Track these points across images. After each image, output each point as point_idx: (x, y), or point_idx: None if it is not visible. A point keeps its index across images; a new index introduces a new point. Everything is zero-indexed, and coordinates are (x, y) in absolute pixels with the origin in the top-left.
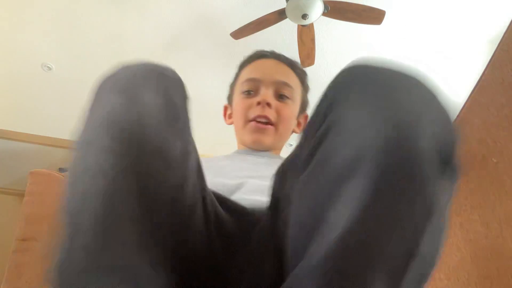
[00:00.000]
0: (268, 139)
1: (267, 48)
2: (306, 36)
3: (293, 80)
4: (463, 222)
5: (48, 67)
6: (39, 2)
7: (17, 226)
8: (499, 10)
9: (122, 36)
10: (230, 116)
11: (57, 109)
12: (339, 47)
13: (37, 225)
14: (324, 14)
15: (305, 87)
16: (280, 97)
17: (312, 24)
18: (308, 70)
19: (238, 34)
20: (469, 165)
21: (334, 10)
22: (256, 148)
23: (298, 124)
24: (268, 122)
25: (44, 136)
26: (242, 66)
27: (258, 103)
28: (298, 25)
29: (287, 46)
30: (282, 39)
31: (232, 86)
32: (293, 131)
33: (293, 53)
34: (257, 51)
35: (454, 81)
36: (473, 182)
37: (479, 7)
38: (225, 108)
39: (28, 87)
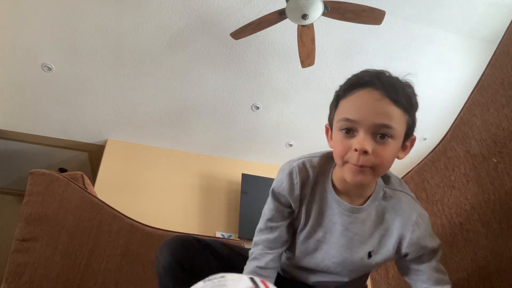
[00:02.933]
0: (367, 178)
1: (268, 49)
2: (306, 36)
3: (396, 116)
4: (463, 222)
5: (48, 67)
6: (39, 2)
7: (17, 226)
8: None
9: (122, 36)
10: (330, 139)
11: (57, 109)
12: (339, 47)
13: (37, 225)
14: (324, 14)
15: (410, 114)
16: (381, 137)
17: (312, 24)
18: (308, 70)
19: (238, 34)
20: (469, 166)
21: (334, 10)
22: (355, 186)
23: (404, 148)
24: (365, 167)
25: (44, 136)
26: (342, 94)
27: (356, 150)
28: (298, 25)
29: (287, 46)
30: (282, 39)
31: (331, 111)
32: (398, 157)
33: (293, 53)
34: (359, 75)
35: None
36: (473, 182)
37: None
38: (327, 129)
39: (28, 87)
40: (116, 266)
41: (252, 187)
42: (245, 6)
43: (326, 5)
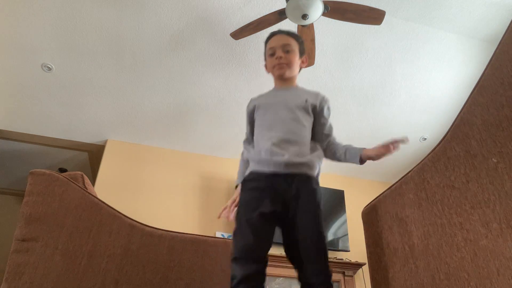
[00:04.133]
0: (285, 71)
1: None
2: (306, 36)
3: (291, 41)
4: (463, 222)
5: (48, 67)
6: (39, 2)
7: (17, 226)
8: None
9: (122, 36)
10: (266, 68)
11: (57, 109)
12: (339, 47)
13: (37, 225)
14: (324, 14)
15: (299, 43)
16: (286, 52)
17: (312, 24)
18: (308, 70)
19: (238, 34)
20: (469, 166)
21: (334, 10)
22: (281, 79)
23: (302, 61)
24: (283, 64)
25: (44, 136)
26: (266, 41)
27: (276, 58)
28: (298, 25)
29: None
30: None
31: (264, 53)
32: (300, 66)
33: None
34: (271, 32)
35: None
36: (473, 182)
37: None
38: (265, 66)
39: (28, 87)
40: (116, 266)
41: None
42: (245, 6)
43: (326, 5)
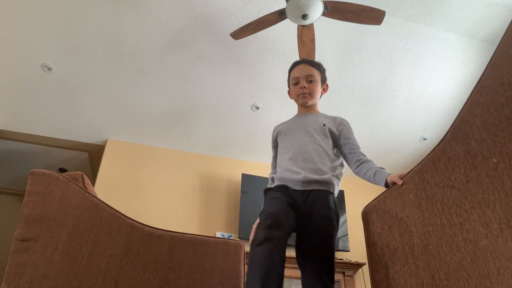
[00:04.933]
0: (308, 100)
1: (268, 49)
2: (306, 36)
3: (314, 71)
4: (463, 222)
5: (48, 67)
6: (40, 2)
7: (17, 226)
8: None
9: (122, 36)
10: (290, 95)
11: (57, 109)
12: (339, 47)
13: (37, 225)
14: (324, 14)
15: (321, 72)
16: (309, 82)
17: (312, 24)
18: None
19: (238, 34)
20: (469, 166)
21: (334, 10)
22: (304, 106)
23: (323, 89)
24: (306, 94)
25: (44, 136)
26: (290, 70)
27: (300, 88)
28: (298, 25)
29: (287, 46)
30: (282, 39)
31: (288, 80)
32: (321, 93)
33: (293, 53)
34: (295, 61)
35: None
36: (473, 182)
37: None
38: (288, 92)
39: (28, 87)
40: (116, 266)
41: (252, 187)
42: (245, 6)
43: (326, 5)
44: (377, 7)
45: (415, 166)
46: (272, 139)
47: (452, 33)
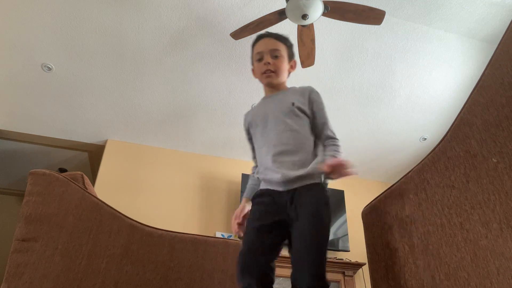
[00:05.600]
0: (273, 79)
1: None
2: (306, 36)
3: (279, 45)
4: (463, 222)
5: (48, 67)
6: (40, 2)
7: (17, 226)
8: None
9: (122, 36)
10: (254, 73)
11: (57, 109)
12: (339, 47)
13: (37, 225)
14: (324, 14)
15: (288, 47)
16: (275, 57)
17: (312, 24)
18: (308, 70)
19: (238, 34)
20: (469, 166)
21: (334, 10)
22: (270, 86)
23: (291, 66)
24: (271, 71)
25: (44, 136)
26: (253, 45)
27: (264, 64)
28: (298, 25)
29: None
30: None
31: (251, 57)
32: (289, 71)
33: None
34: (258, 35)
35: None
36: (473, 182)
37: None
38: (252, 70)
39: (28, 87)
40: (116, 266)
41: None
42: (245, 6)
43: (326, 5)
44: (377, 7)
45: (415, 166)
46: (245, 130)
47: (452, 33)
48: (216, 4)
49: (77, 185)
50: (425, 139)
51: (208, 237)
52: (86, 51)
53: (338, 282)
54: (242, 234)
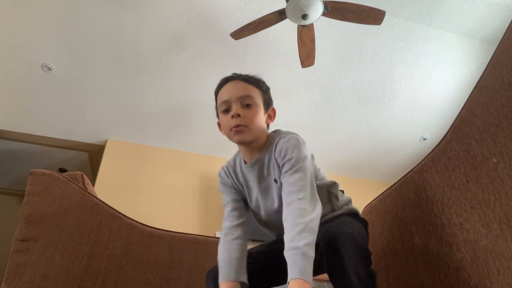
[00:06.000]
0: (246, 136)
1: (268, 49)
2: (306, 36)
3: (252, 91)
4: (463, 222)
5: (48, 67)
6: (39, 2)
7: (17, 226)
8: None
9: (122, 36)
10: (221, 129)
11: (57, 109)
12: (339, 47)
13: (37, 225)
14: (324, 14)
15: (263, 91)
16: (246, 106)
17: (312, 24)
18: (308, 70)
19: (238, 34)
20: (469, 166)
21: (334, 10)
22: (242, 144)
23: (269, 116)
24: (242, 126)
25: (44, 136)
26: (216, 92)
27: (232, 116)
28: (298, 25)
29: (287, 46)
30: (282, 39)
31: (216, 107)
32: (267, 122)
33: (293, 53)
34: (222, 78)
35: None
36: (473, 182)
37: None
38: (218, 124)
39: (28, 87)
40: (116, 266)
41: None
42: (245, 6)
43: (326, 5)
44: (377, 7)
45: (415, 166)
46: (220, 190)
47: (452, 33)
48: (216, 4)
49: (77, 185)
50: (425, 139)
51: (208, 237)
52: (86, 51)
53: None
54: None
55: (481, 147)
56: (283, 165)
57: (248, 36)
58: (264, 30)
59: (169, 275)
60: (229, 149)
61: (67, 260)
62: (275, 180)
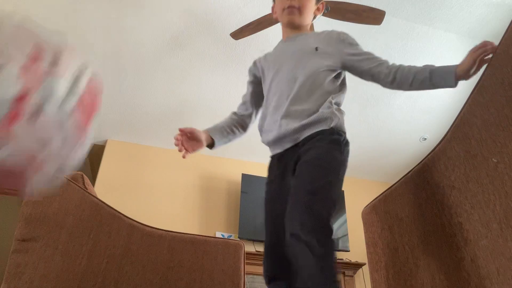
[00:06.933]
0: (295, 18)
1: (268, 49)
2: None
3: None
4: (463, 222)
5: None
6: (39, 2)
7: (17, 226)
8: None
9: (122, 36)
10: (274, 12)
11: None
12: None
13: (37, 225)
14: (324, 14)
15: None
16: None
17: (312, 24)
18: None
19: (238, 34)
20: (469, 166)
21: (334, 10)
22: (290, 27)
23: (318, 9)
24: (294, 8)
25: None
26: None
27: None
28: None
29: None
30: None
31: None
32: (315, 13)
33: None
34: None
35: None
36: (473, 182)
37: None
38: (272, 8)
39: None
40: (116, 266)
41: (252, 187)
42: (245, 6)
43: (326, 5)
44: (377, 7)
45: (415, 166)
46: (249, 72)
47: (452, 33)
48: (216, 4)
49: (77, 185)
50: (425, 139)
51: (208, 237)
52: (86, 51)
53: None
54: (185, 156)
55: (481, 147)
56: (348, 44)
57: (248, 36)
58: (264, 30)
59: (169, 275)
60: (229, 149)
61: (67, 260)
62: (316, 48)
